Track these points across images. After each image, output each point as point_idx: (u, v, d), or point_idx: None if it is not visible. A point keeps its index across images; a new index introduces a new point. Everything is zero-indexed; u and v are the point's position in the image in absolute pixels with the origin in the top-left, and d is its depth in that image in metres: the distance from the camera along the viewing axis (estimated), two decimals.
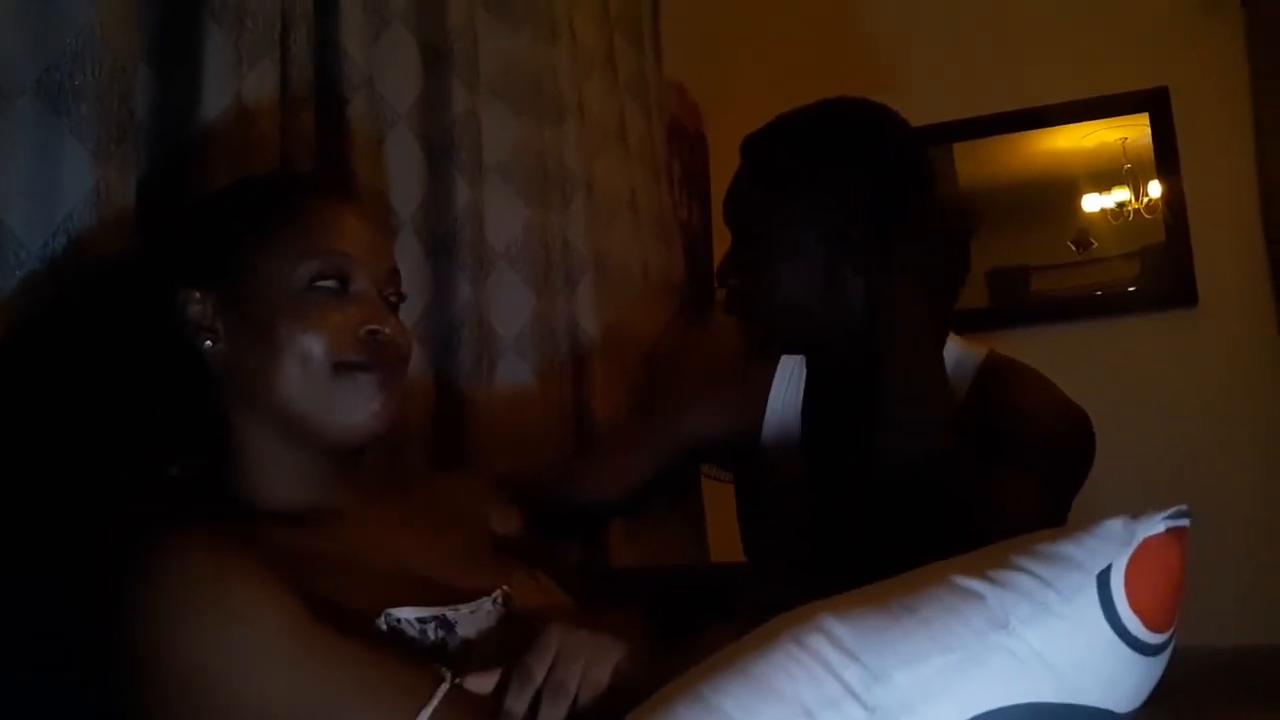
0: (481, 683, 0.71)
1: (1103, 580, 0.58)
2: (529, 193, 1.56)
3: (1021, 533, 0.65)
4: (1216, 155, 2.58)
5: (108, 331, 0.86)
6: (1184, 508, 0.61)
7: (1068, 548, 0.60)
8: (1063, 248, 2.74)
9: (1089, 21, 2.66)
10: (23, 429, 0.80)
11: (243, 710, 0.67)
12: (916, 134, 1.25)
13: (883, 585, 0.63)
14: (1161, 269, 2.63)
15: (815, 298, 1.17)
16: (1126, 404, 2.33)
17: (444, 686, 0.70)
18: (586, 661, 0.70)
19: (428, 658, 0.74)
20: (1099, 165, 2.71)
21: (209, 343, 0.83)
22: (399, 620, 0.76)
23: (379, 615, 0.76)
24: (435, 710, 0.68)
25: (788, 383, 1.34)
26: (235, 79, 1.04)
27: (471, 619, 0.81)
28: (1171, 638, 0.61)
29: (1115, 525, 0.60)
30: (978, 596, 0.59)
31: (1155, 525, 0.60)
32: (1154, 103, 2.62)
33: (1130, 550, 0.59)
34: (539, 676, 0.69)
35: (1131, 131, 2.67)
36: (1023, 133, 2.74)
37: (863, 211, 1.13)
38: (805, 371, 1.32)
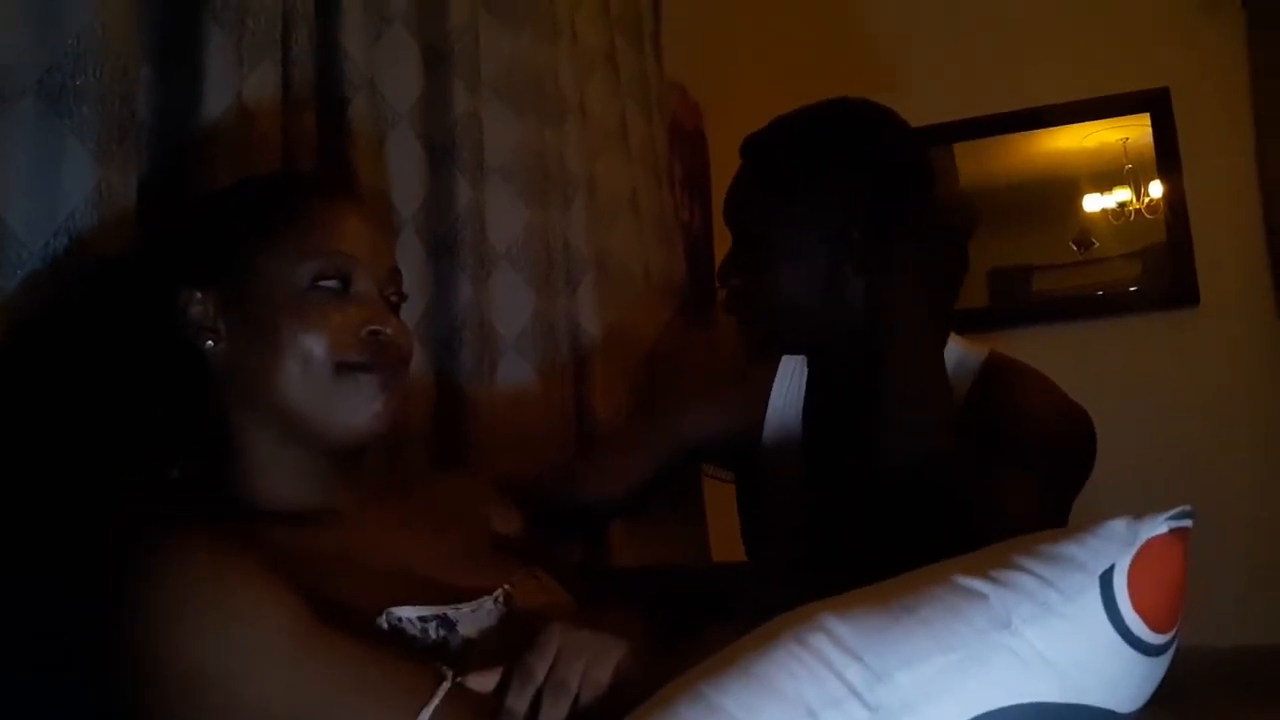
0: (483, 681, 0.71)
1: (1105, 581, 0.58)
2: (530, 193, 1.56)
3: (1021, 533, 0.65)
4: (1217, 155, 2.58)
5: (109, 331, 0.86)
6: (1187, 508, 0.61)
7: (1070, 548, 0.60)
8: (1064, 248, 2.74)
9: (1090, 21, 2.66)
10: (24, 429, 0.80)
11: (244, 710, 0.67)
12: (917, 134, 1.25)
13: (884, 585, 0.63)
14: (1163, 269, 2.63)
15: (816, 298, 1.17)
16: (1128, 404, 2.33)
17: (445, 685, 0.70)
18: (588, 660, 0.70)
19: (429, 657, 0.74)
20: (1100, 165, 2.71)
21: (210, 343, 0.83)
22: (400, 619, 0.76)
23: (380, 614, 0.76)
24: (437, 709, 0.68)
25: (789, 383, 1.34)
26: (237, 79, 1.04)
27: (473, 618, 0.81)
28: (1174, 638, 0.61)
29: (1118, 526, 0.60)
30: (980, 596, 0.59)
31: (1158, 526, 0.60)
32: (1155, 103, 2.62)
33: (1133, 551, 0.59)
34: (540, 675, 0.69)
35: (1133, 131, 2.67)
36: (1024, 133, 2.74)
37: (863, 212, 1.14)
38: (807, 372, 1.33)
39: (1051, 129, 2.72)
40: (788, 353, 1.34)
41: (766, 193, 1.19)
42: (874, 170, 1.16)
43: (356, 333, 0.84)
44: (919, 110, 1.32)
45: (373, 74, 1.27)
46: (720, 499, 1.61)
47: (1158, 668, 0.60)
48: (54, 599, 0.76)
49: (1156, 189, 2.65)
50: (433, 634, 0.78)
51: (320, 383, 0.82)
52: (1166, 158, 2.61)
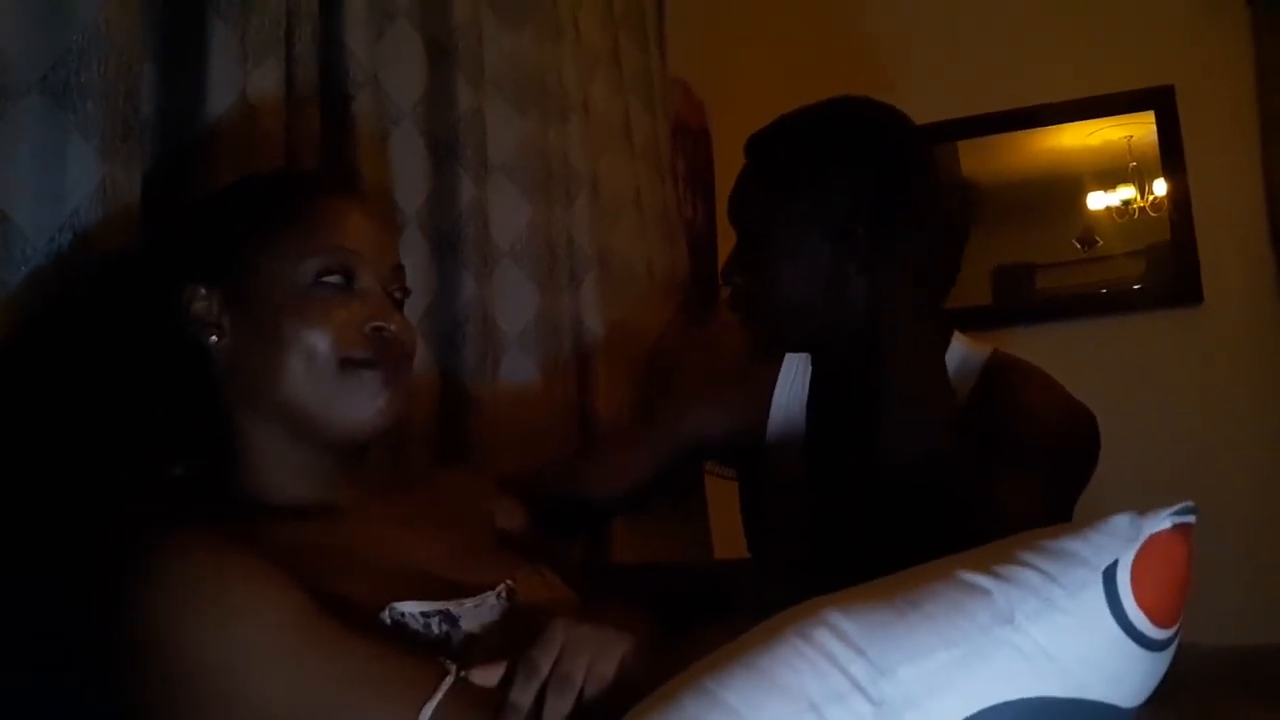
0: (486, 676, 0.71)
1: (1109, 576, 0.58)
2: (533, 190, 1.56)
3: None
4: (1222, 153, 2.57)
5: (113, 327, 0.86)
6: (1190, 504, 0.61)
7: (1074, 543, 0.60)
8: (1068, 246, 2.73)
9: (1094, 20, 2.66)
10: (28, 426, 0.80)
11: (247, 707, 0.67)
12: (921, 132, 1.25)
13: (888, 580, 0.63)
14: (1166, 267, 2.63)
15: (819, 297, 1.17)
16: (1131, 402, 2.33)
17: (449, 679, 0.70)
18: (592, 655, 0.70)
19: (432, 652, 0.74)
20: (1104, 163, 2.70)
21: (214, 339, 0.83)
22: (403, 614, 0.76)
23: (383, 610, 0.76)
24: (440, 703, 0.68)
25: (792, 381, 1.34)
26: (240, 76, 1.04)
27: (475, 613, 0.81)
28: (1177, 633, 0.61)
29: (1121, 521, 0.60)
30: (983, 592, 0.59)
31: (1161, 521, 0.60)
32: (1159, 101, 2.62)
33: (1136, 546, 0.59)
34: (544, 670, 0.69)
35: (1137, 129, 2.67)
36: (1028, 131, 2.74)
37: (867, 210, 1.14)
38: (810, 370, 1.33)
39: (1056, 127, 2.72)
40: (791, 351, 1.34)
41: (770, 191, 1.20)
42: (877, 169, 1.15)
43: (360, 329, 0.84)
44: (923, 108, 1.32)
45: (376, 71, 1.27)
46: (723, 496, 1.61)
47: (1160, 663, 0.60)
48: (54, 599, 0.76)
49: (1160, 187, 2.64)
50: (436, 629, 0.78)
51: (324, 379, 0.82)
52: (1171, 156, 2.61)
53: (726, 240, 1.31)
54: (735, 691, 0.57)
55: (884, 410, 1.08)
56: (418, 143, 1.35)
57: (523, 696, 0.68)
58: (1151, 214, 2.67)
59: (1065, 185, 2.75)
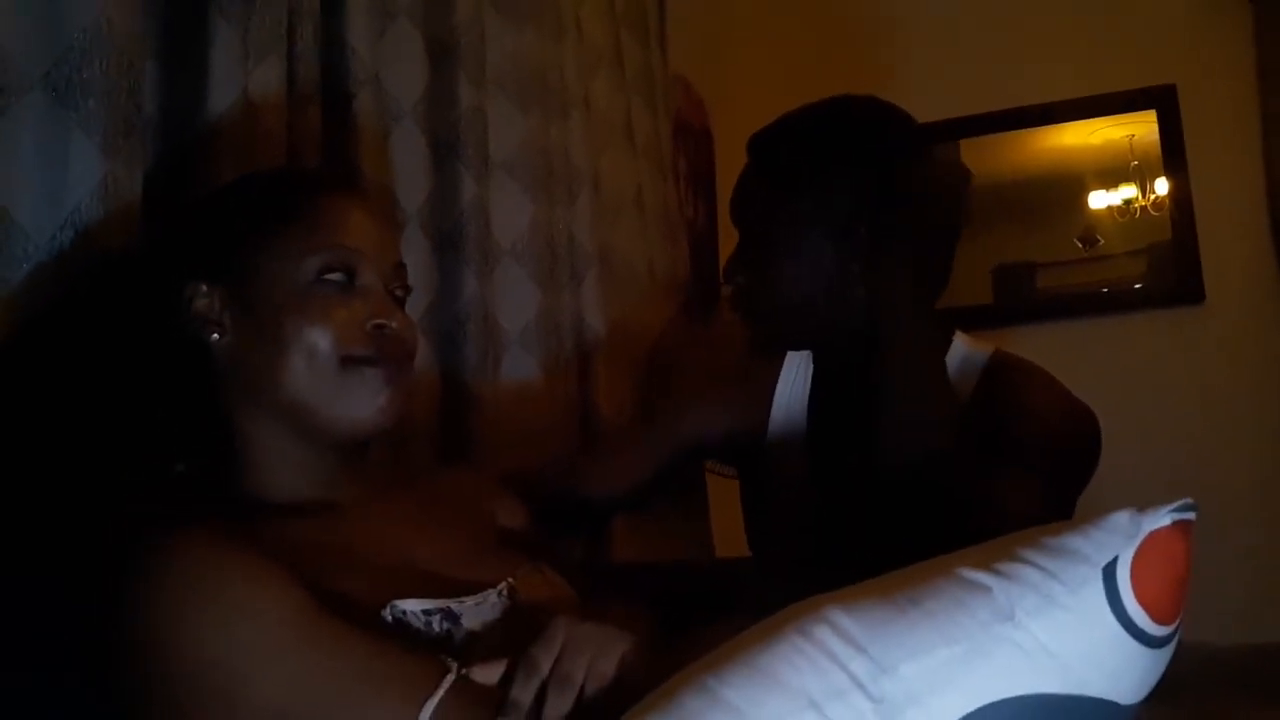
0: (487, 673, 0.71)
1: (1108, 573, 0.58)
2: (535, 188, 1.56)
3: None
4: (1223, 153, 2.57)
5: (114, 325, 0.86)
6: (1189, 501, 0.61)
7: (1074, 540, 0.60)
8: (1069, 245, 2.73)
9: (1096, 18, 2.66)
10: (29, 424, 0.80)
11: (248, 705, 0.67)
12: (922, 131, 1.25)
13: (888, 577, 0.63)
14: (1168, 266, 2.63)
15: (821, 295, 1.17)
16: (1132, 401, 2.33)
17: (450, 677, 0.70)
18: (592, 654, 0.70)
19: (433, 649, 0.74)
20: (1106, 162, 2.70)
21: (215, 336, 0.83)
22: (404, 612, 0.76)
23: (384, 607, 0.76)
24: (441, 700, 0.68)
25: (794, 380, 1.34)
26: (242, 74, 1.04)
27: (476, 611, 0.81)
28: (1176, 630, 0.61)
29: (1121, 518, 0.60)
30: (983, 589, 0.59)
31: (1161, 518, 0.60)
32: (1161, 100, 2.62)
33: (1136, 543, 0.59)
34: (545, 668, 0.70)
35: (1138, 129, 2.67)
36: (1029, 129, 2.74)
37: (868, 209, 1.14)
38: (811, 368, 1.33)
39: (1057, 125, 2.72)
40: (792, 349, 1.34)
41: (772, 190, 1.20)
42: (879, 168, 1.15)
43: (362, 326, 0.84)
44: (924, 106, 1.32)
45: (377, 69, 1.27)
46: (724, 495, 1.61)
47: (1160, 659, 0.60)
48: (54, 599, 0.76)
49: (1162, 186, 2.64)
50: (437, 627, 0.78)
51: (325, 376, 0.82)
52: (1172, 155, 2.61)
53: (728, 239, 1.31)
54: (736, 689, 0.57)
55: (884, 409, 1.08)
56: (419, 141, 1.35)
57: (523, 694, 0.68)
58: (1153, 213, 2.67)
59: (1066, 184, 2.75)
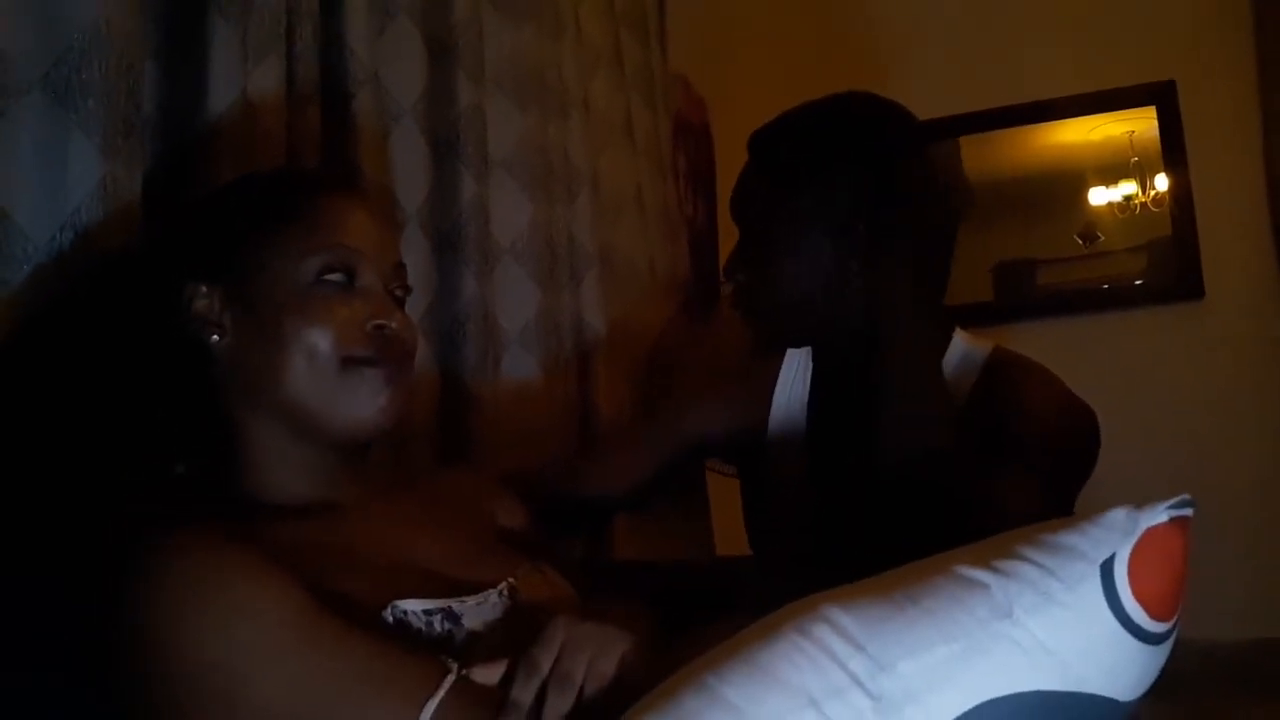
0: (488, 674, 0.71)
1: (1106, 569, 0.59)
2: (534, 187, 1.56)
3: None
4: (1224, 149, 2.57)
5: (114, 326, 0.86)
6: (1187, 497, 0.61)
7: (1071, 537, 0.60)
8: (1069, 241, 2.73)
9: (1096, 15, 2.65)
10: (29, 425, 0.81)
11: (249, 705, 0.67)
12: (922, 128, 1.25)
13: (887, 575, 0.63)
14: (1168, 262, 2.63)
15: (821, 293, 1.17)
16: (1132, 398, 2.33)
17: (450, 677, 0.70)
18: (592, 653, 0.70)
19: (434, 650, 0.75)
20: (1106, 159, 2.70)
21: (215, 337, 0.83)
22: (405, 612, 0.76)
23: (385, 608, 0.76)
24: (442, 701, 0.68)
25: (794, 377, 1.34)
26: (241, 75, 1.04)
27: (477, 611, 0.81)
28: (1174, 626, 0.61)
29: (1119, 515, 0.61)
30: (982, 586, 0.59)
31: (1158, 515, 0.60)
32: (1161, 96, 2.61)
33: (1134, 539, 0.59)
34: (545, 668, 0.70)
35: (1138, 125, 2.67)
36: (1029, 126, 2.73)
37: (868, 207, 1.14)
38: (811, 366, 1.33)
39: (1057, 122, 2.71)
40: (792, 347, 1.34)
41: (772, 188, 1.20)
42: (879, 165, 1.16)
43: (362, 327, 0.84)
44: (924, 103, 1.32)
45: (377, 68, 1.27)
46: (726, 493, 1.62)
47: (1158, 656, 0.61)
48: (54, 599, 0.76)
49: (1162, 182, 2.64)
50: (438, 627, 0.78)
51: (326, 377, 0.82)
52: (1172, 151, 2.61)
53: (728, 237, 1.31)
54: (735, 687, 0.57)
55: (883, 407, 1.08)
56: (418, 140, 1.35)
57: (524, 694, 0.69)
58: (1153, 209, 2.66)
59: (1067, 180, 2.74)
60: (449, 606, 0.80)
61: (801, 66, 2.39)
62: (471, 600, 0.82)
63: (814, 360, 1.32)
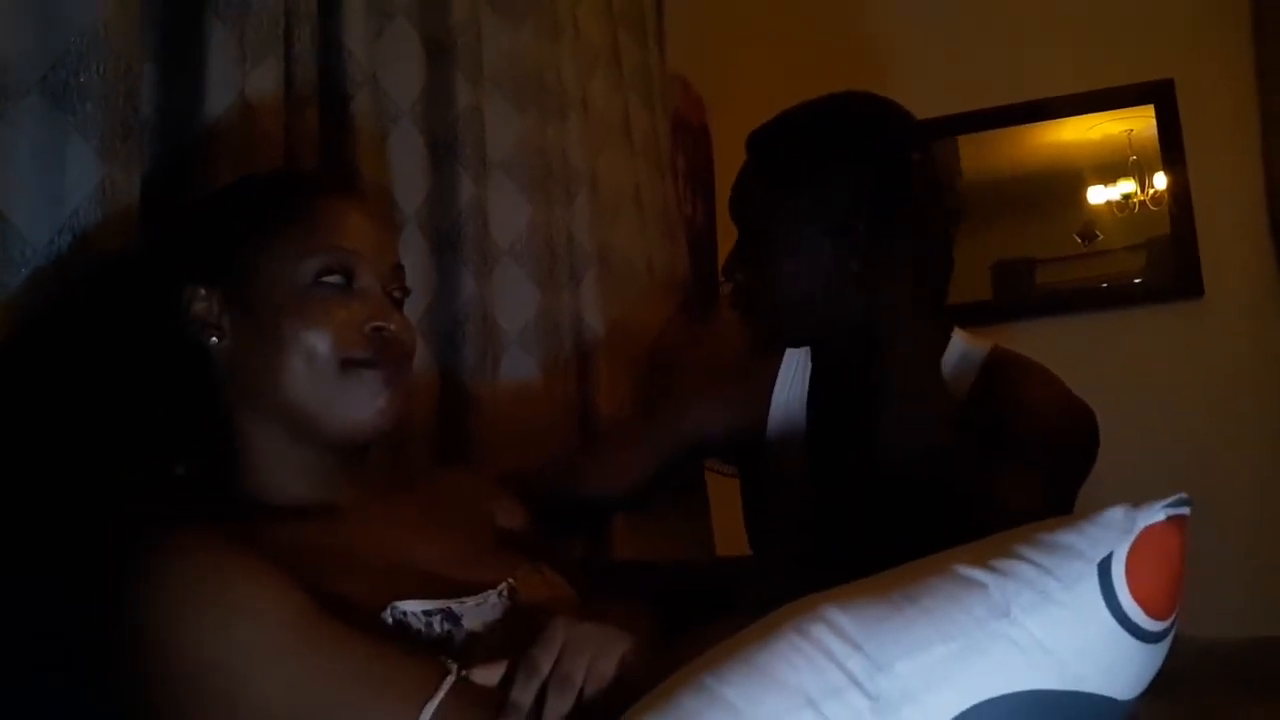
0: (487, 675, 0.72)
1: (1104, 568, 0.59)
2: (533, 188, 1.56)
3: None
4: (1222, 148, 2.57)
5: (113, 328, 0.86)
6: (1184, 496, 0.61)
7: (1069, 536, 0.60)
8: (1068, 240, 2.73)
9: (1094, 13, 2.66)
10: (28, 427, 0.81)
11: (248, 706, 0.67)
12: (921, 127, 1.25)
13: (884, 575, 0.63)
14: (1167, 261, 2.63)
15: (820, 292, 1.17)
16: (1131, 396, 2.33)
17: (450, 679, 0.70)
18: (592, 654, 0.70)
19: (433, 650, 0.75)
20: (1104, 157, 2.70)
21: (214, 339, 0.83)
22: (404, 613, 0.76)
23: (384, 609, 0.76)
24: (441, 702, 0.68)
25: (793, 377, 1.35)
26: (239, 76, 1.04)
27: (477, 612, 0.81)
28: (1172, 625, 0.61)
29: (1116, 514, 0.61)
30: (979, 585, 0.59)
31: (1156, 513, 0.60)
32: (1159, 95, 2.61)
33: (1131, 538, 0.59)
34: (545, 669, 0.70)
35: (1137, 124, 2.67)
36: (1028, 125, 2.74)
37: (868, 207, 1.14)
38: (810, 365, 1.33)
39: (1055, 121, 2.72)
40: (792, 346, 1.34)
41: (771, 187, 1.20)
42: (878, 165, 1.16)
43: (360, 329, 0.84)
44: (922, 103, 1.32)
45: (375, 70, 1.27)
46: (726, 492, 1.62)
47: (1156, 655, 0.61)
48: (54, 599, 0.76)
49: (1161, 181, 2.64)
50: (437, 628, 0.78)
51: (325, 379, 0.83)
52: (1171, 150, 2.61)
53: (727, 237, 1.31)
54: (733, 687, 0.57)
55: (883, 406, 1.08)
56: (417, 141, 1.35)
57: (523, 695, 0.69)
58: (1152, 208, 2.67)
59: (1065, 179, 2.74)
60: (448, 607, 0.80)
61: (800, 66, 2.39)
62: (471, 601, 0.82)
63: (813, 360, 1.32)
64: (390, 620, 0.76)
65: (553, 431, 1.54)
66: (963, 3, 2.75)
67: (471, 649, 0.77)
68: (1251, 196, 2.53)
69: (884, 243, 1.13)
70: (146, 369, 0.86)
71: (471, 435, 1.37)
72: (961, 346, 1.22)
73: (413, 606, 0.77)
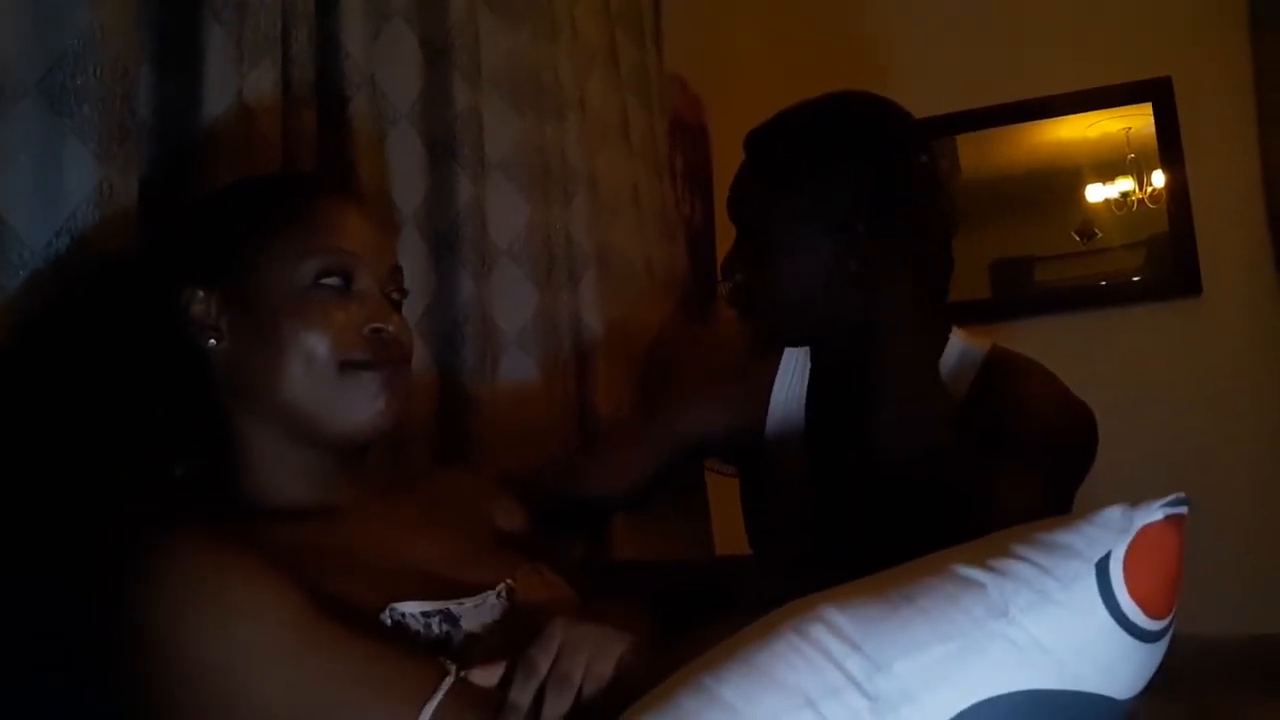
0: (486, 676, 0.72)
1: (1102, 568, 0.59)
2: (531, 189, 1.56)
3: None
4: (1220, 144, 2.57)
5: (111, 331, 0.86)
6: (1181, 495, 0.61)
7: (1067, 536, 0.61)
8: (1067, 238, 2.74)
9: (1092, 11, 2.66)
10: (26, 429, 0.81)
11: (247, 706, 0.67)
12: (920, 127, 1.25)
13: (883, 575, 0.63)
14: (1165, 259, 2.63)
15: (819, 292, 1.17)
16: (1130, 394, 2.33)
17: (449, 679, 0.70)
18: (591, 654, 0.70)
19: (432, 652, 0.75)
20: (1103, 155, 2.71)
21: (213, 341, 0.83)
22: (403, 615, 0.76)
23: (383, 610, 0.76)
24: (440, 703, 0.68)
25: (792, 376, 1.34)
26: (237, 78, 1.04)
27: (476, 613, 0.81)
28: (1170, 624, 0.61)
29: (1114, 513, 0.61)
30: (978, 585, 0.59)
31: (1153, 513, 0.60)
32: (1157, 92, 2.62)
33: (1129, 538, 0.59)
34: (543, 669, 0.70)
35: (1135, 121, 2.67)
36: (1026, 123, 2.74)
37: (866, 206, 1.14)
38: (809, 365, 1.33)
39: (1054, 119, 2.72)
40: (790, 345, 1.34)
41: (769, 187, 1.20)
42: (877, 164, 1.16)
43: (359, 330, 0.84)
44: (921, 102, 1.32)
45: (373, 71, 1.27)
46: (726, 492, 1.62)
47: (1155, 654, 0.61)
48: (54, 599, 0.77)
49: (1159, 179, 2.65)
50: (436, 629, 0.78)
51: (323, 381, 0.83)
52: (1169, 147, 2.61)
53: (725, 236, 1.31)
54: (732, 688, 0.57)
55: (881, 406, 1.08)
56: (415, 142, 1.35)
57: (522, 696, 0.69)
58: (1150, 206, 2.67)
59: (1064, 178, 2.75)
60: (447, 608, 0.80)
61: (798, 65, 2.39)
62: (470, 602, 0.82)
63: (812, 359, 1.32)
64: (389, 621, 0.76)
65: (552, 432, 1.54)
66: (961, 2, 2.76)
67: (470, 650, 0.77)
68: (1249, 194, 2.53)
69: (883, 242, 1.13)
70: (145, 371, 0.86)
71: (471, 436, 1.37)
72: (961, 346, 1.22)
73: (411, 608, 0.77)
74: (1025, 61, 2.68)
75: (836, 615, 0.59)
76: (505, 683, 0.71)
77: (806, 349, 1.32)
